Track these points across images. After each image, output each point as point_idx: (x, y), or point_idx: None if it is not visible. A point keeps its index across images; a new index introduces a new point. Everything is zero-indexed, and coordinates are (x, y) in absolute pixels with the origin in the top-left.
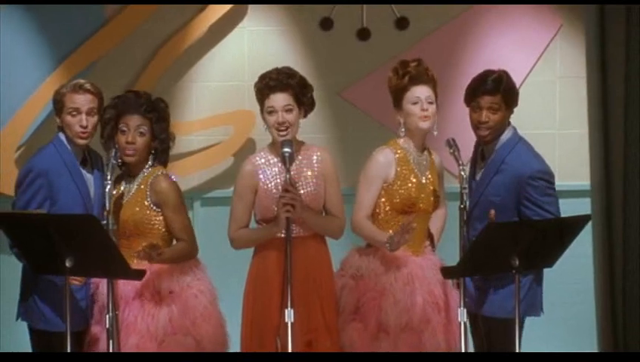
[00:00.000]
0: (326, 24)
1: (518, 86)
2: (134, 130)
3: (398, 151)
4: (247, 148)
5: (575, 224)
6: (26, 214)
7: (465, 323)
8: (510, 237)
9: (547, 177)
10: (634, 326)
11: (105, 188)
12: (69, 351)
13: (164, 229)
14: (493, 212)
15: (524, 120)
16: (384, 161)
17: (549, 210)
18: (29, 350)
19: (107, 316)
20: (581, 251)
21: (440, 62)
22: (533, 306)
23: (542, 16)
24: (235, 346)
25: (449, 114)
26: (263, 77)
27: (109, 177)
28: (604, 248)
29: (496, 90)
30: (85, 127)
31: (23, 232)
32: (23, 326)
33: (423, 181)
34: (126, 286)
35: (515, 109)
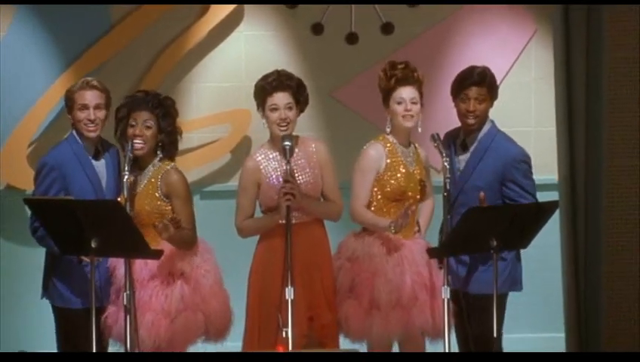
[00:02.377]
0: (317, 29)
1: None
2: (142, 124)
3: (388, 145)
4: (244, 145)
5: (545, 209)
6: (56, 200)
7: (448, 300)
8: (489, 220)
9: (529, 161)
10: (596, 308)
11: (123, 178)
12: (93, 325)
13: None
14: (482, 194)
15: (502, 118)
16: (375, 154)
17: (529, 191)
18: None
19: (125, 294)
20: (550, 241)
21: (424, 65)
22: (516, 282)
23: (519, 22)
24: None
25: (433, 111)
26: (265, 77)
27: (126, 168)
28: (569, 235)
29: (482, 82)
30: (93, 120)
31: (53, 216)
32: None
33: (411, 171)
34: (141, 270)
35: (494, 108)
